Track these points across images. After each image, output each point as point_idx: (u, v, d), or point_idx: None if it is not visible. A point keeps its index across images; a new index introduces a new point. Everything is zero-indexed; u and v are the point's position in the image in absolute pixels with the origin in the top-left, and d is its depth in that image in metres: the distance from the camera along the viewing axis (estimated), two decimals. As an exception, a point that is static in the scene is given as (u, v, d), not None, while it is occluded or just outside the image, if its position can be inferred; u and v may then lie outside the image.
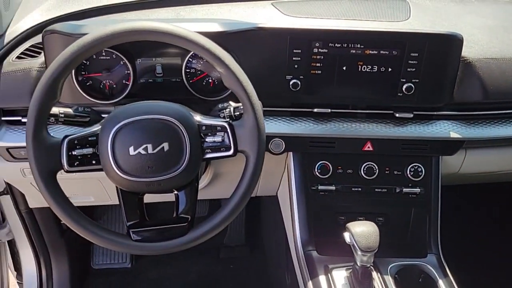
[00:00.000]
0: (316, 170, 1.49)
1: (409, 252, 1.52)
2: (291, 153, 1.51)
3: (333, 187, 1.49)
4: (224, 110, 1.24)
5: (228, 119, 1.15)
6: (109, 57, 1.31)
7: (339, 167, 1.50)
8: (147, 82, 1.35)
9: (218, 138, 1.10)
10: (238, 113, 1.22)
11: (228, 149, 1.11)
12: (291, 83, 1.36)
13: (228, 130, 1.10)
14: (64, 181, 1.09)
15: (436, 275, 1.40)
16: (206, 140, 1.10)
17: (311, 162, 1.50)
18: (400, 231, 1.57)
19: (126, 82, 1.33)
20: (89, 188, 1.63)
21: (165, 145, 1.05)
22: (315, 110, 1.42)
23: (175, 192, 1.14)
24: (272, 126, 1.42)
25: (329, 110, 1.42)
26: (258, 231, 2.47)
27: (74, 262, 2.10)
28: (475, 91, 1.42)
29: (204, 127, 1.10)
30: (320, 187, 1.49)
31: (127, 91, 1.32)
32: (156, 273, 2.31)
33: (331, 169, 1.49)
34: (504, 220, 2.42)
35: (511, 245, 2.36)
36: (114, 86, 1.34)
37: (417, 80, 1.36)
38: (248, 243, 2.48)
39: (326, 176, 1.49)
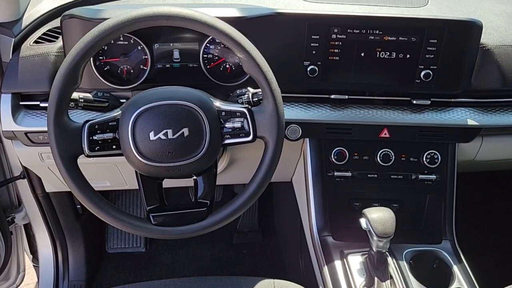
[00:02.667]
0: (332, 156, 1.49)
1: (424, 238, 1.53)
2: (308, 139, 1.51)
3: (349, 174, 1.49)
4: (243, 96, 1.24)
5: (246, 105, 1.15)
6: (126, 42, 1.31)
7: (356, 154, 1.50)
8: (165, 67, 1.36)
9: (237, 124, 1.11)
10: (256, 99, 1.22)
11: (247, 134, 1.11)
12: (308, 69, 1.35)
13: (248, 116, 1.10)
14: (80, 166, 1.09)
15: (451, 261, 1.40)
16: (226, 125, 1.11)
17: (328, 149, 1.50)
18: (415, 218, 1.58)
19: (144, 67, 1.33)
20: (105, 173, 1.64)
21: (185, 131, 1.06)
22: (332, 96, 1.42)
23: (194, 177, 1.15)
24: (289, 112, 1.42)
25: (346, 97, 1.42)
26: (271, 217, 2.48)
27: (90, 246, 2.12)
28: (493, 78, 1.41)
29: (223, 113, 1.11)
30: (336, 173, 1.49)
31: (144, 76, 1.33)
32: (170, 257, 2.33)
33: (347, 155, 1.49)
34: None
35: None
36: (132, 71, 1.34)
37: (435, 67, 1.35)
38: (261, 229, 2.49)
39: (343, 163, 1.49)
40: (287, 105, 1.43)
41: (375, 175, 1.50)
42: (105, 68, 1.33)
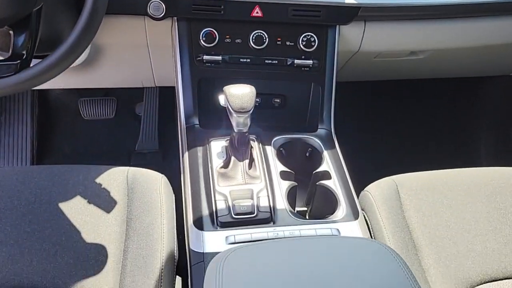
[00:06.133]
0: (201, 39, 1.36)
1: (304, 130, 1.43)
2: (176, 20, 1.37)
3: (219, 57, 1.37)
4: None
5: None
6: None
7: (228, 36, 1.37)
8: None
9: None
10: None
11: None
12: None
13: None
14: None
15: (322, 147, 1.31)
16: None
17: (197, 30, 1.36)
18: (300, 111, 1.48)
19: None
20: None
21: None
22: None
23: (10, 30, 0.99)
24: (149, -14, 1.28)
25: None
26: (174, 137, 2.33)
27: None
28: None
29: None
30: (205, 57, 1.36)
31: None
32: None
33: (217, 37, 1.36)
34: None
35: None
36: None
37: None
38: (162, 150, 2.35)
39: (212, 45, 1.36)
40: None
41: (248, 60, 1.38)
42: None
